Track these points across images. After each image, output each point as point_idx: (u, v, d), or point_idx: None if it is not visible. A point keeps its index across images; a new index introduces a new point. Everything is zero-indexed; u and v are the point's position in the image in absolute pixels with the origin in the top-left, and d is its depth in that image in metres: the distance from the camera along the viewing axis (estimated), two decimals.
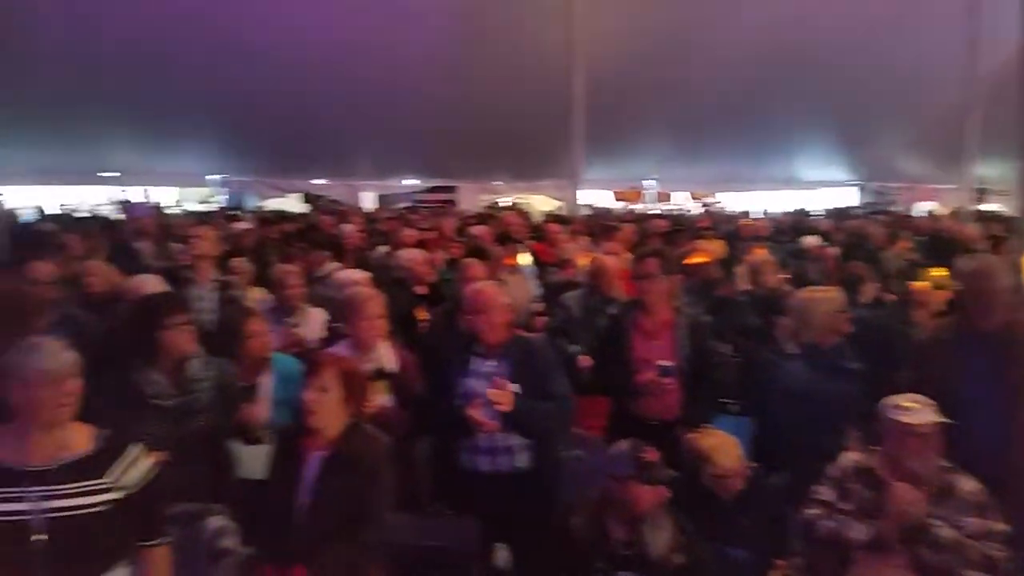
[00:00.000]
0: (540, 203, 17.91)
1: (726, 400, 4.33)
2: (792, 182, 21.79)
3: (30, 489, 2.17)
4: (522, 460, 3.38)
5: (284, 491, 2.69)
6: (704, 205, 20.36)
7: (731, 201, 20.86)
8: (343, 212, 13.21)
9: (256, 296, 5.01)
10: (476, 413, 3.20)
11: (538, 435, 3.38)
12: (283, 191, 19.22)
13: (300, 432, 2.76)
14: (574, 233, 8.02)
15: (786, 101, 16.34)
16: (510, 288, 3.90)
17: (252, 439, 3.25)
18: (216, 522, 2.98)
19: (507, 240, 6.47)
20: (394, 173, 19.93)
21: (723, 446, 3.34)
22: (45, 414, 2.22)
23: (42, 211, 14.61)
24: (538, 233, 8.14)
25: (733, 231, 9.85)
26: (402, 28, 13.78)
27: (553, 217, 10.18)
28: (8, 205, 10.14)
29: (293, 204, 18.33)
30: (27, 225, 11.85)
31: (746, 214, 15.30)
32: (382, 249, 7.49)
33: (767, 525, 3.23)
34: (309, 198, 18.89)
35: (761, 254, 6.30)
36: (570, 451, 3.96)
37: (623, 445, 3.00)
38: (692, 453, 3.35)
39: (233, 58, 13.39)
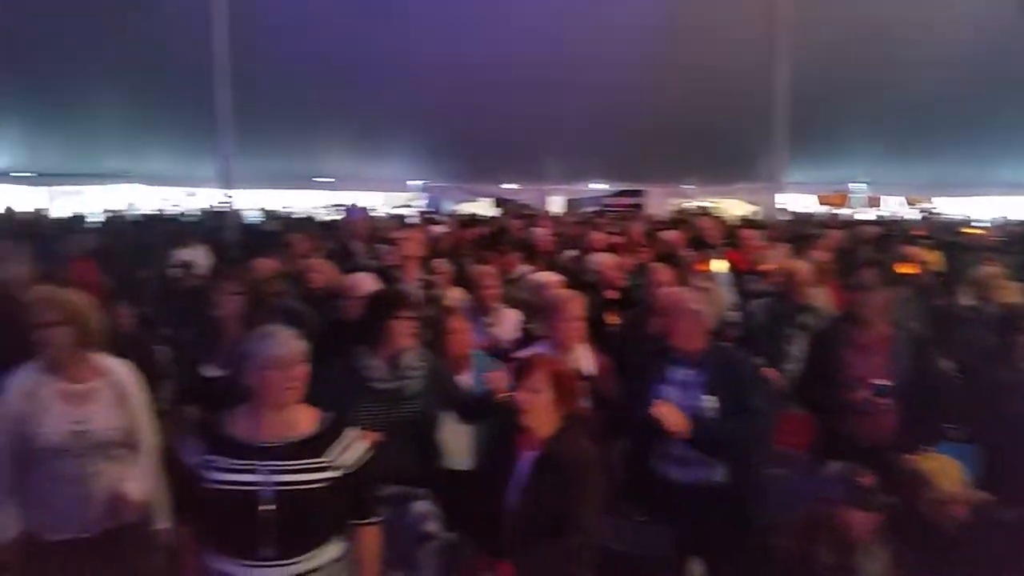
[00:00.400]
0: (733, 208, 17.25)
1: (949, 425, 3.92)
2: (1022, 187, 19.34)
3: (261, 463, 2.36)
4: (717, 473, 3.27)
5: (495, 487, 2.77)
6: (921, 211, 18.59)
7: (951, 207, 18.90)
8: (532, 216, 13.49)
9: (455, 296, 5.23)
10: (665, 418, 3.14)
11: (727, 454, 3.26)
12: (476, 196, 20.02)
13: (513, 430, 2.81)
14: (772, 239, 7.63)
15: (1015, 96, 14.52)
16: (702, 294, 3.79)
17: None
18: (421, 506, 3.14)
19: (700, 245, 6.28)
20: (582, 178, 20.10)
21: (944, 469, 3.08)
22: (275, 396, 2.42)
23: (267, 213, 16.25)
24: (733, 239, 7.83)
25: (954, 240, 8.92)
26: (595, 33, 13.84)
27: (749, 222, 9.74)
28: (237, 207, 11.39)
29: (485, 208, 19.04)
30: (254, 225, 13.19)
31: (968, 221, 13.77)
32: (570, 253, 7.56)
33: (994, 562, 2.88)
34: (500, 202, 19.52)
35: (991, 267, 5.64)
36: (771, 468, 3.77)
37: (836, 467, 2.81)
38: (910, 476, 3.08)
39: (436, 71, 14.14)
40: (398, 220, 11.84)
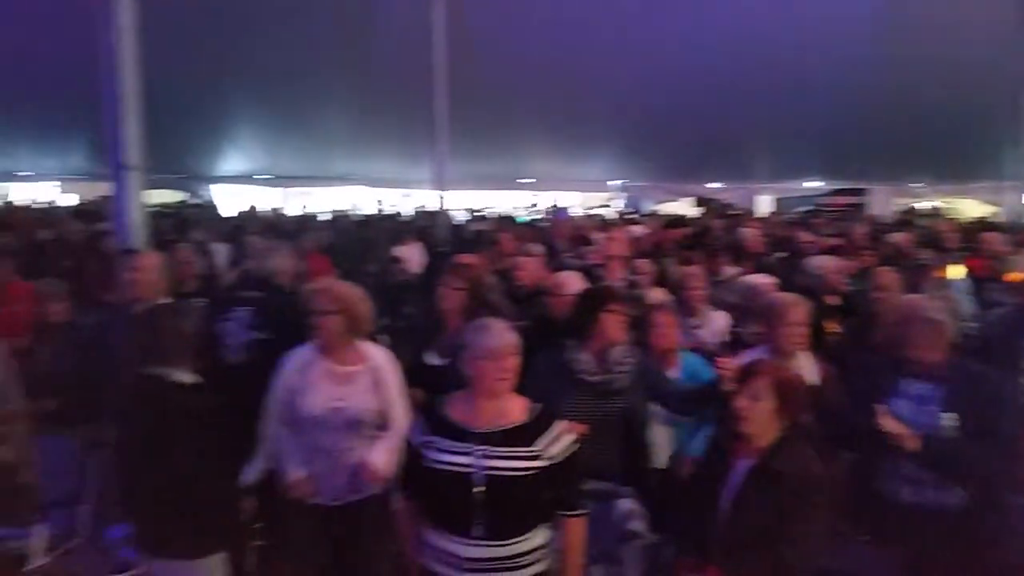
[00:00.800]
0: (969, 208, 15.50)
1: None
2: None
3: (474, 447, 2.49)
4: (952, 496, 2.98)
5: (708, 492, 2.72)
6: None
7: None
8: (736, 216, 12.99)
9: (658, 297, 5.16)
10: (896, 433, 2.90)
11: (967, 477, 2.96)
12: (677, 195, 19.62)
13: (730, 436, 2.75)
14: (1018, 244, 6.77)
15: None
16: (942, 303, 3.44)
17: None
18: (626, 504, 3.15)
19: (936, 249, 5.71)
20: (794, 175, 18.99)
21: None
22: (489, 385, 2.54)
23: (473, 212, 17.00)
24: (971, 243, 7.04)
25: None
26: (812, 24, 13.06)
27: (989, 224, 8.71)
28: (447, 207, 12.05)
29: (685, 208, 18.61)
30: (462, 225, 13.85)
31: None
32: (778, 255, 7.20)
33: None
34: (701, 201, 18.97)
35: None
36: (1016, 497, 3.34)
37: None
38: None
39: (637, 71, 14.05)
40: (599, 220, 11.89)
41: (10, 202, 17.49)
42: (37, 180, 19.87)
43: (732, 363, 3.04)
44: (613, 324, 3.35)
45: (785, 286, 4.84)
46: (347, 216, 16.13)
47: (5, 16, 12.31)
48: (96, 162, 17.60)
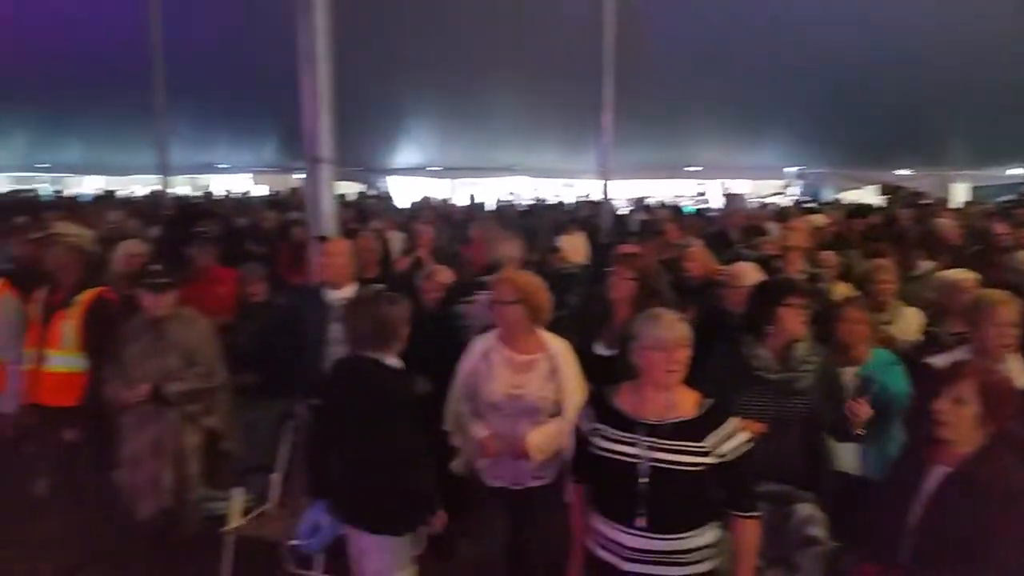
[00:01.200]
0: None
1: None
2: None
3: (641, 438, 2.47)
4: None
5: (899, 498, 2.55)
6: None
7: None
8: (927, 205, 11.90)
9: (842, 291, 4.86)
10: None
11: None
12: (860, 182, 18.24)
13: (927, 441, 2.56)
14: None
15: None
16: None
17: (849, 435, 3.16)
18: (805, 509, 3.00)
19: None
20: (996, 161, 17.06)
21: None
22: (658, 376, 2.51)
23: (636, 201, 16.76)
24: None
25: None
26: None
27: None
28: (609, 197, 11.91)
29: (869, 196, 17.29)
30: (625, 214, 13.70)
31: None
32: (975, 249, 6.52)
33: None
34: (887, 189, 17.54)
35: None
36: None
37: None
38: None
39: (813, 46, 13.19)
40: (775, 209, 11.32)
41: (210, 192, 19.44)
42: (233, 172, 21.94)
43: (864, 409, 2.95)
44: (793, 319, 3.19)
45: (987, 282, 4.40)
46: (512, 206, 16.45)
47: (207, 23, 13.60)
48: (285, 155, 19.31)
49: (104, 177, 21.73)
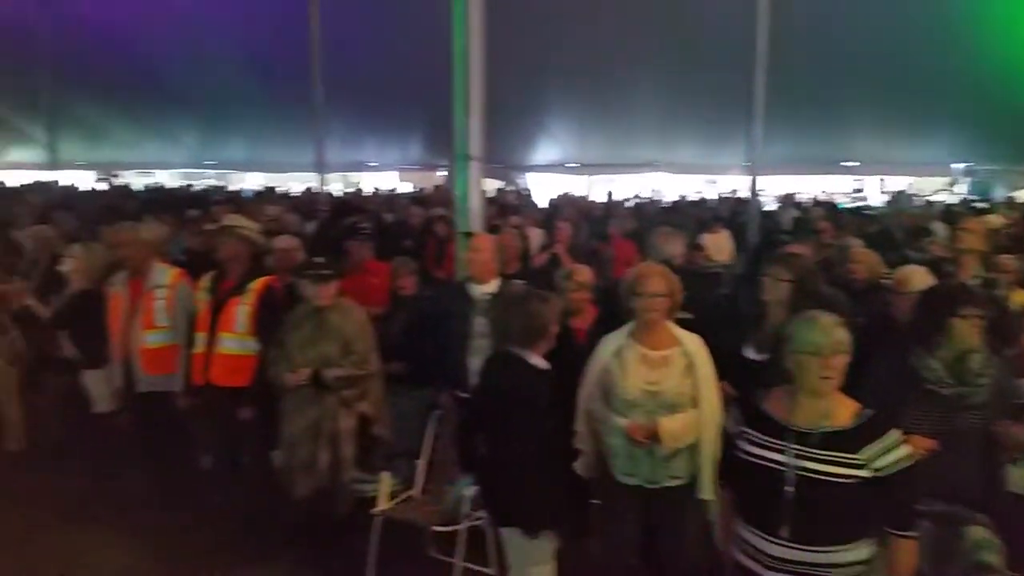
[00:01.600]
0: None
1: None
2: None
3: (790, 445, 2.38)
4: None
5: None
6: None
7: None
8: None
9: (1020, 299, 4.45)
10: None
11: None
12: None
13: None
14: None
15: None
16: None
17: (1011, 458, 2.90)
18: (978, 533, 2.78)
19: None
20: None
21: None
22: (811, 383, 2.40)
23: (785, 198, 15.92)
24: None
25: None
26: None
27: None
28: (757, 193, 11.40)
29: None
30: (774, 211, 13.10)
31: None
32: None
33: None
34: None
35: None
36: None
37: None
38: None
39: (978, 32, 12.09)
40: (940, 208, 10.47)
41: (359, 189, 20.43)
42: (380, 170, 22.95)
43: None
44: (967, 328, 2.98)
45: None
46: (652, 202, 16.18)
47: (360, 23, 14.21)
48: (429, 153, 20.02)
49: (264, 174, 23.31)
